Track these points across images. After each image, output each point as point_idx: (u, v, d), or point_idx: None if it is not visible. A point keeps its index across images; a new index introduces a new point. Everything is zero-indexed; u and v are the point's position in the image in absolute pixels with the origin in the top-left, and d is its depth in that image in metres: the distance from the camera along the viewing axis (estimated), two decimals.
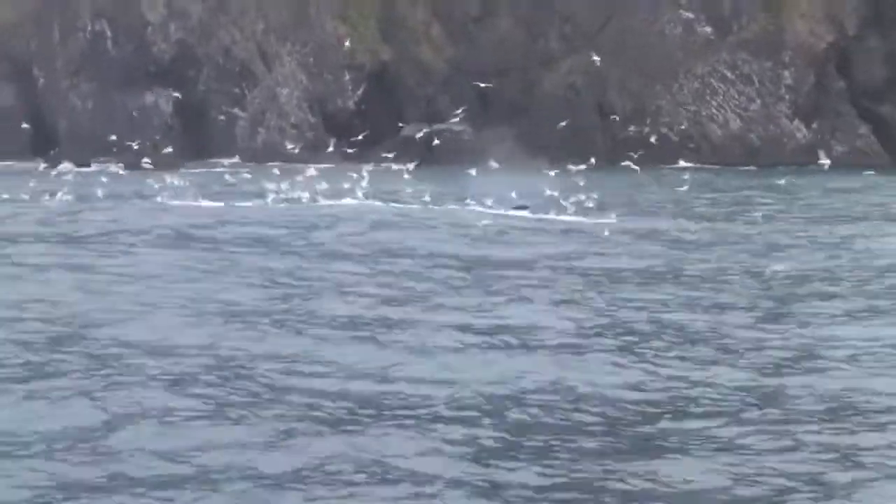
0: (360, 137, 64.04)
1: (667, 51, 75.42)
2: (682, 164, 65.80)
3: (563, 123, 64.36)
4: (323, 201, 40.33)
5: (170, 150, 69.27)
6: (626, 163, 48.17)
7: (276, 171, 44.65)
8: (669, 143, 72.82)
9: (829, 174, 55.11)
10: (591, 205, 36.55)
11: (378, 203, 39.88)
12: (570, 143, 65.93)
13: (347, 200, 40.37)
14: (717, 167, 68.00)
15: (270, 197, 41.41)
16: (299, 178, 41.99)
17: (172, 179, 43.23)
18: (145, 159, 60.45)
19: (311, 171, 42.78)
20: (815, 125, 72.59)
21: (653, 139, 67.49)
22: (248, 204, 40.35)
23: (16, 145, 78.02)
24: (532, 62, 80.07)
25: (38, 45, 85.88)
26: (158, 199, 41.43)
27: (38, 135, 79.28)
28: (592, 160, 50.58)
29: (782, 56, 73.32)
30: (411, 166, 45.73)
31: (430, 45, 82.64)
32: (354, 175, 41.37)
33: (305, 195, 40.92)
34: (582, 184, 37.08)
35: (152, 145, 69.76)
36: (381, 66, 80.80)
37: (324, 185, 41.43)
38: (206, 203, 40.88)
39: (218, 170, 54.10)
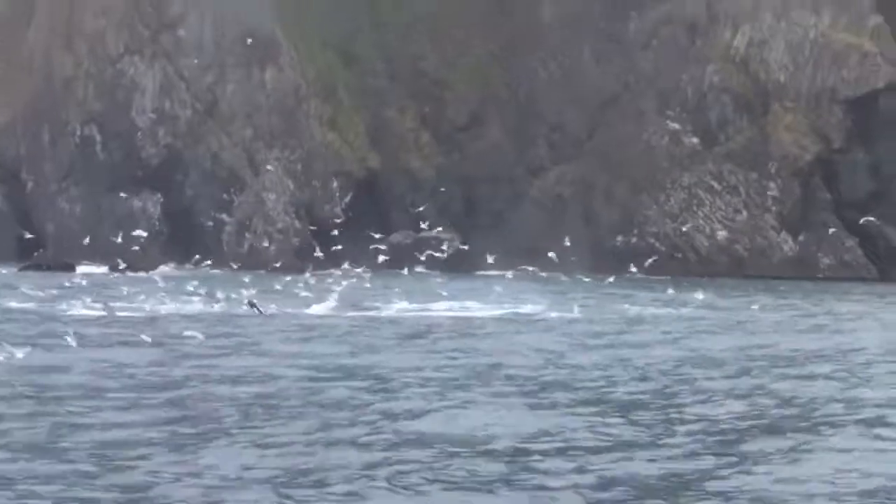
0: (345, 244, 64.03)
1: (654, 161, 75.87)
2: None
3: (550, 232, 64.56)
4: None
5: (156, 254, 69.43)
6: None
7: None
8: (657, 253, 73.04)
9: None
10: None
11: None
12: (556, 252, 65.84)
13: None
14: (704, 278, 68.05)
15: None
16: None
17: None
18: (123, 265, 60.63)
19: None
20: (801, 237, 72.76)
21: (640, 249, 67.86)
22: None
23: (2, 248, 77.92)
24: (520, 171, 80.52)
25: (27, 149, 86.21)
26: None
27: (25, 238, 79.20)
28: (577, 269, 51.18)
29: (768, 167, 73.73)
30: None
31: (419, 153, 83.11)
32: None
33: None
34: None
35: (139, 250, 69.75)
36: (369, 173, 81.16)
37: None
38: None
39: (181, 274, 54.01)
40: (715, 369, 24.89)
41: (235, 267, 63.02)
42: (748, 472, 14.23)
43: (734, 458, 15.07)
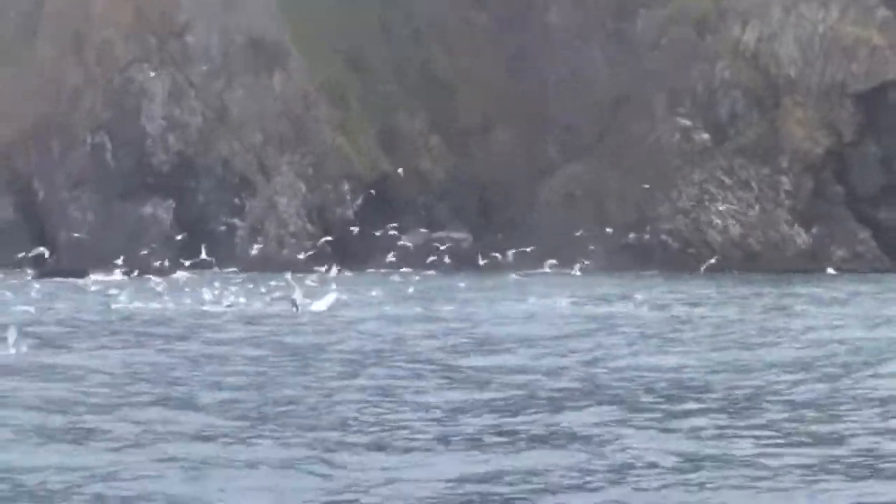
0: (358, 246, 64.16)
1: (665, 158, 75.74)
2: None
3: (563, 231, 64.57)
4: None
5: (168, 260, 69.31)
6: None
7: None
8: (669, 250, 72.99)
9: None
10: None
11: None
12: (569, 250, 65.96)
13: None
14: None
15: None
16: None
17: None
18: (136, 271, 60.67)
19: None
20: (814, 230, 72.60)
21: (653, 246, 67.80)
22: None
23: (14, 257, 77.85)
24: (531, 171, 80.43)
25: (38, 158, 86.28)
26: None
27: (37, 246, 79.15)
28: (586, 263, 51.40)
29: (780, 162, 73.58)
30: None
31: (430, 155, 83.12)
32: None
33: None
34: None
35: (151, 255, 69.79)
36: (381, 176, 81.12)
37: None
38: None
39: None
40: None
41: (248, 270, 63.00)
42: None
43: None
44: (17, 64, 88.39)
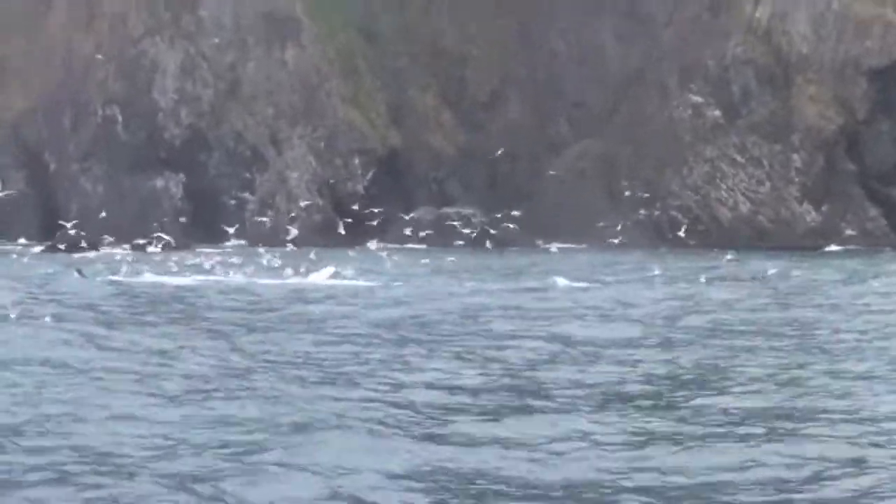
0: (368, 221, 64.03)
1: (676, 135, 75.53)
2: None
3: (573, 207, 64.47)
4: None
5: (179, 233, 69.45)
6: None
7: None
8: (679, 227, 72.85)
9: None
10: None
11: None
12: (578, 226, 65.99)
13: None
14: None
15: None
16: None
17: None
18: (146, 244, 60.73)
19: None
20: (824, 208, 72.37)
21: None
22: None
23: (27, 229, 78.16)
24: (541, 147, 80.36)
25: (49, 131, 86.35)
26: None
27: (48, 219, 79.42)
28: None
29: (791, 139, 73.28)
30: None
31: (440, 130, 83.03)
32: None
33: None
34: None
35: (161, 229, 69.85)
36: (391, 150, 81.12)
37: None
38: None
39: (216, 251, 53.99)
40: None
41: (258, 245, 63.03)
42: None
43: None
44: (30, 35, 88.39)
